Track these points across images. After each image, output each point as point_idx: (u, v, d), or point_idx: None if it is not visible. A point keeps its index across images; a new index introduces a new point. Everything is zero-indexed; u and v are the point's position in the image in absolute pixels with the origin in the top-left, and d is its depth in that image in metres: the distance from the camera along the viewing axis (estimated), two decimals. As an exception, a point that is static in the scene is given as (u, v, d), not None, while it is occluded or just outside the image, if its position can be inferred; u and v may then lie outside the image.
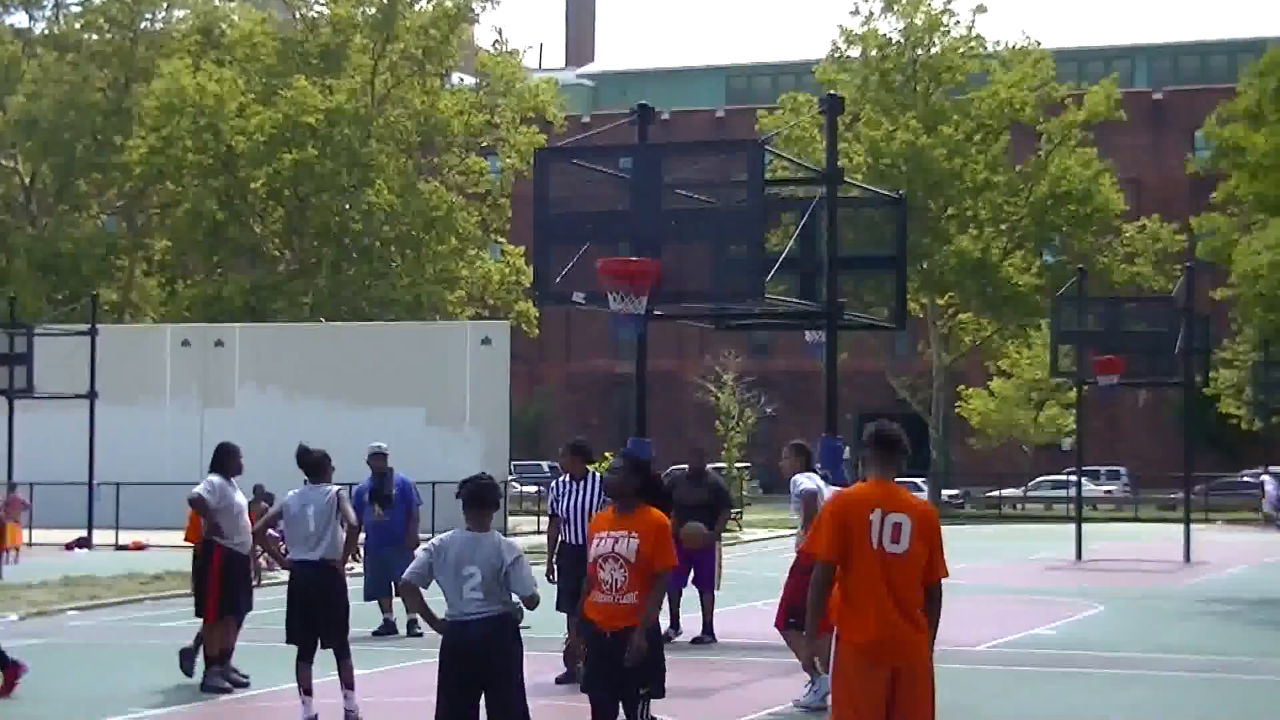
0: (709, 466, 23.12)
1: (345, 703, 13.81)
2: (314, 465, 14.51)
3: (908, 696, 8.82)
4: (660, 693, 10.90)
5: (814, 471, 16.88)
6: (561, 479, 17.62)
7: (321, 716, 13.77)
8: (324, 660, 14.05)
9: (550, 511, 17.70)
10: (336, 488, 14.40)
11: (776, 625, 16.03)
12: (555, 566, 17.46)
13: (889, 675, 8.76)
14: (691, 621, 20.87)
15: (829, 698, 9.23)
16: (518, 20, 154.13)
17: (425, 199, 67.64)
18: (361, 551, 20.55)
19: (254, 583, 17.10)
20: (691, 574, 20.71)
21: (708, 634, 20.60)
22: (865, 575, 8.80)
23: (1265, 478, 60.82)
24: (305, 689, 13.84)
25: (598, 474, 18.37)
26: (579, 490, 17.36)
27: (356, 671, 14.03)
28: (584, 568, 17.35)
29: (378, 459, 21.49)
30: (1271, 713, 15.73)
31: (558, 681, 16.59)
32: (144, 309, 72.67)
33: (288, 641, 14.52)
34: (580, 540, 17.44)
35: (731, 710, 15.37)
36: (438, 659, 10.60)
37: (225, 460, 16.66)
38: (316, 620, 14.08)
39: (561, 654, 16.97)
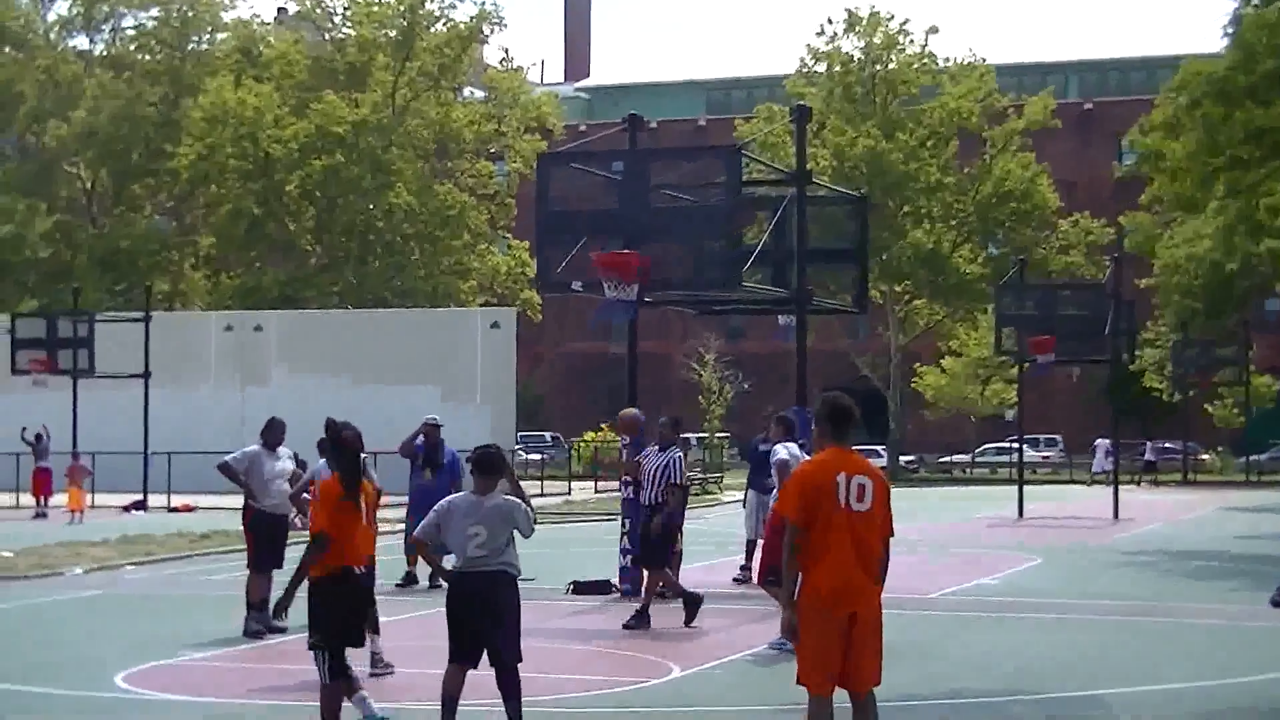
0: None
1: (371, 645, 13.79)
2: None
3: (861, 636, 8.89)
4: (322, 648, 10.67)
5: (794, 440, 16.87)
6: (649, 446, 18.24)
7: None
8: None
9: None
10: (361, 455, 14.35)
11: (758, 582, 15.99)
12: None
13: (846, 618, 8.82)
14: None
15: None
16: (522, 40, 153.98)
17: (440, 199, 67.61)
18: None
19: None
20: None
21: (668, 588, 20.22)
22: (834, 531, 8.85)
23: (1100, 442, 60.52)
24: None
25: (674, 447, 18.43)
26: (657, 458, 17.85)
27: (382, 619, 14.02)
28: (651, 523, 17.55)
29: (433, 430, 21.22)
30: (1181, 648, 15.80)
31: (625, 627, 16.69)
32: (192, 298, 72.60)
33: None
34: (649, 501, 17.65)
35: (714, 651, 15.41)
36: (445, 606, 10.61)
37: (265, 432, 16.86)
38: None
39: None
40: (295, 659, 15.01)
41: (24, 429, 38.80)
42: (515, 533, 10.62)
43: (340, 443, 10.70)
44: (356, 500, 10.60)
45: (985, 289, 63.70)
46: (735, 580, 21.31)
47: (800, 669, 8.97)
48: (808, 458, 15.09)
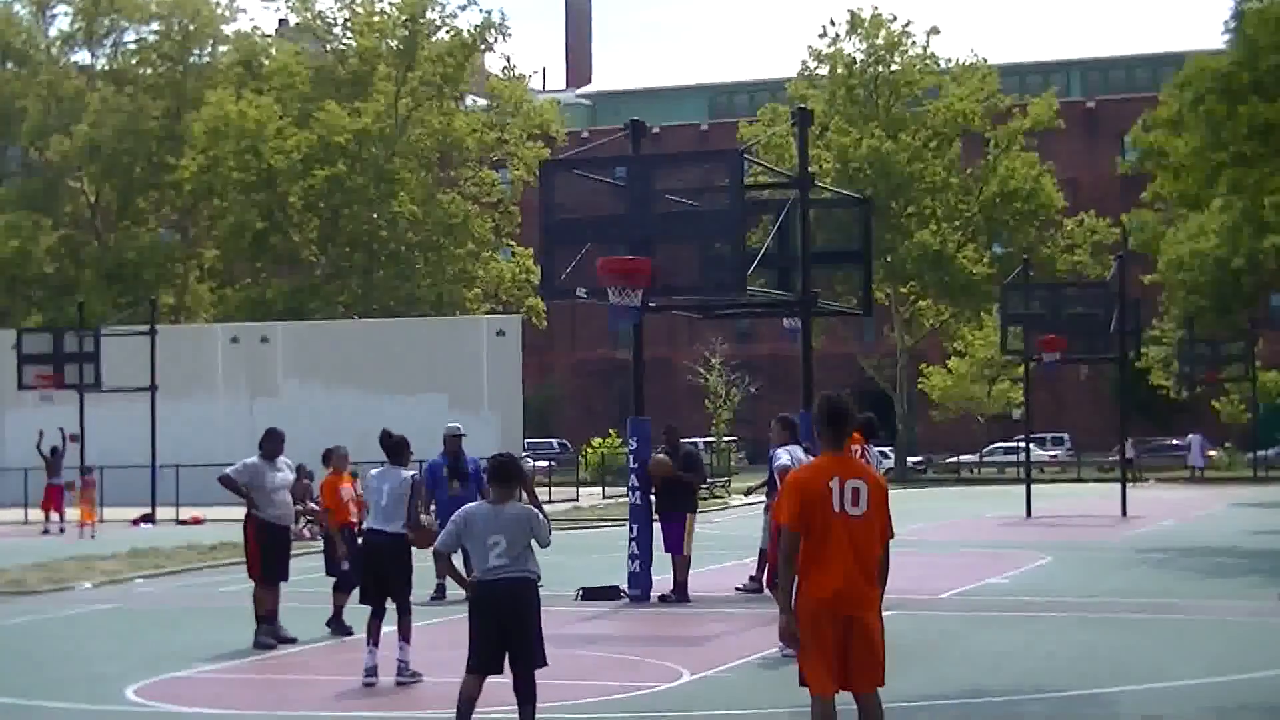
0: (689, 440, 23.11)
1: (399, 653, 13.79)
2: (394, 448, 14.46)
3: (861, 637, 8.90)
4: None
5: (798, 443, 16.81)
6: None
7: (380, 665, 13.78)
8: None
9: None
10: (412, 473, 14.37)
11: (767, 584, 15.96)
12: None
13: (844, 620, 8.84)
14: (664, 583, 20.43)
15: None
16: (524, 47, 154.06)
17: (444, 208, 67.66)
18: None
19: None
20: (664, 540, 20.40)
21: (675, 593, 19.97)
22: (830, 536, 8.86)
23: (1192, 437, 60.76)
24: (374, 640, 13.84)
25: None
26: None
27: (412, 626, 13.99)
28: None
29: (454, 440, 20.74)
30: (1193, 645, 15.78)
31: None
32: (197, 311, 72.66)
33: (361, 601, 14.36)
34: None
35: (722, 656, 15.39)
36: (467, 615, 10.62)
37: (264, 442, 16.83)
38: (387, 580, 14.06)
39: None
40: (306, 671, 15.04)
41: (40, 436, 38.57)
42: (533, 541, 10.64)
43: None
44: None
45: (990, 289, 63.64)
46: (738, 589, 20.99)
47: (801, 670, 9.01)
48: (809, 460, 15.16)
